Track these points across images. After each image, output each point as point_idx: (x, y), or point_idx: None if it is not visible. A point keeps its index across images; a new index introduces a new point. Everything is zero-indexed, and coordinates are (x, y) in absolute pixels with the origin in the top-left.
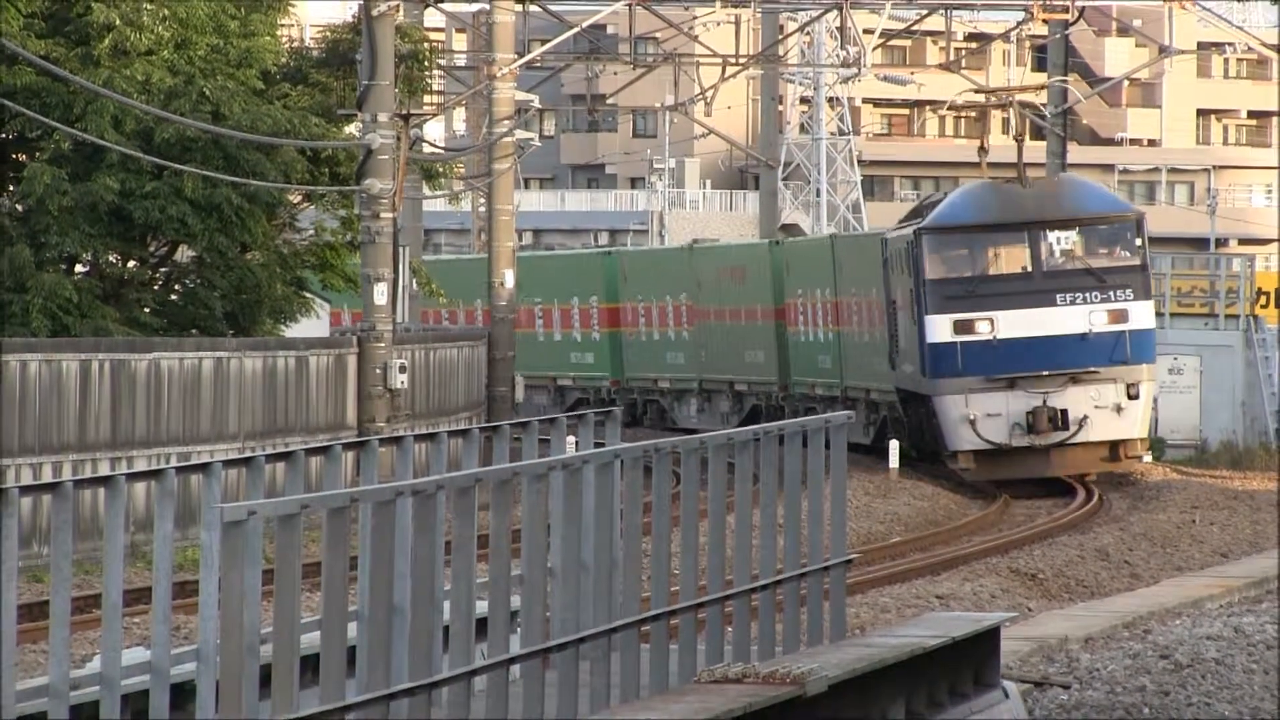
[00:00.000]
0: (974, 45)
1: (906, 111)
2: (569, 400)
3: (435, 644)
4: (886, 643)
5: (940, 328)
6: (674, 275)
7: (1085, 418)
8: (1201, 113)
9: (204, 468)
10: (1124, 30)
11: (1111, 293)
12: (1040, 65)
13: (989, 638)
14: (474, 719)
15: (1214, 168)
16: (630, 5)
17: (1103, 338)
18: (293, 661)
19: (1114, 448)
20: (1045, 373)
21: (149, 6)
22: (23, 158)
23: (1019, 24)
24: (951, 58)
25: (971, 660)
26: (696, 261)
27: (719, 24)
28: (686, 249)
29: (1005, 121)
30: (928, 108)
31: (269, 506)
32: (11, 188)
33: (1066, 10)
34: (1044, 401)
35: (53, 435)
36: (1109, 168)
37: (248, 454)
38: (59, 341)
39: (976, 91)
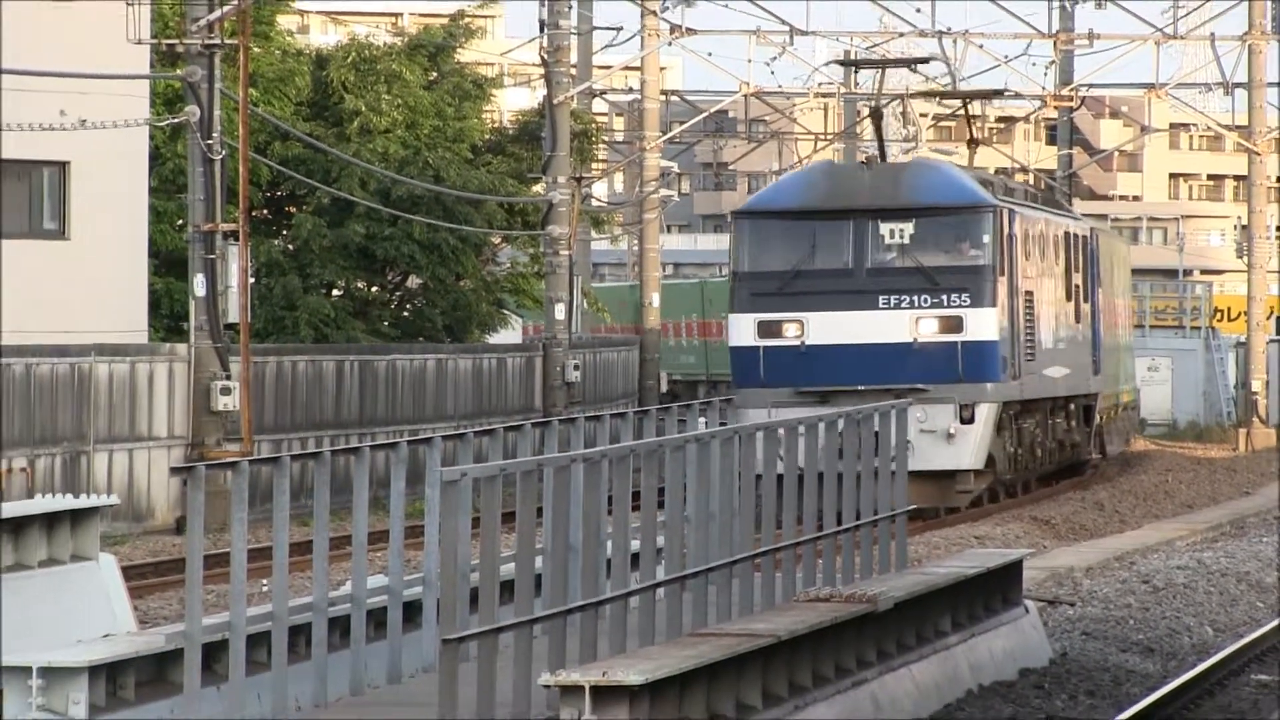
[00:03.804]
0: (1002, 125)
1: None
2: None
3: (600, 572)
4: (937, 571)
5: (743, 329)
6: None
7: (908, 444)
8: (1173, 175)
9: (428, 441)
10: (1115, 114)
11: (945, 296)
12: (1052, 140)
13: (1014, 567)
14: (629, 629)
15: (1182, 217)
16: (746, 96)
17: (931, 349)
18: (494, 586)
19: (942, 480)
20: (862, 388)
21: (387, 96)
22: (293, 210)
23: (1036, 110)
24: (985, 135)
25: (1001, 584)
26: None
27: (812, 109)
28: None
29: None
30: None
31: (477, 470)
32: (285, 232)
33: (1071, 99)
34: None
35: (316, 416)
36: (1103, 217)
37: (461, 430)
38: (320, 347)
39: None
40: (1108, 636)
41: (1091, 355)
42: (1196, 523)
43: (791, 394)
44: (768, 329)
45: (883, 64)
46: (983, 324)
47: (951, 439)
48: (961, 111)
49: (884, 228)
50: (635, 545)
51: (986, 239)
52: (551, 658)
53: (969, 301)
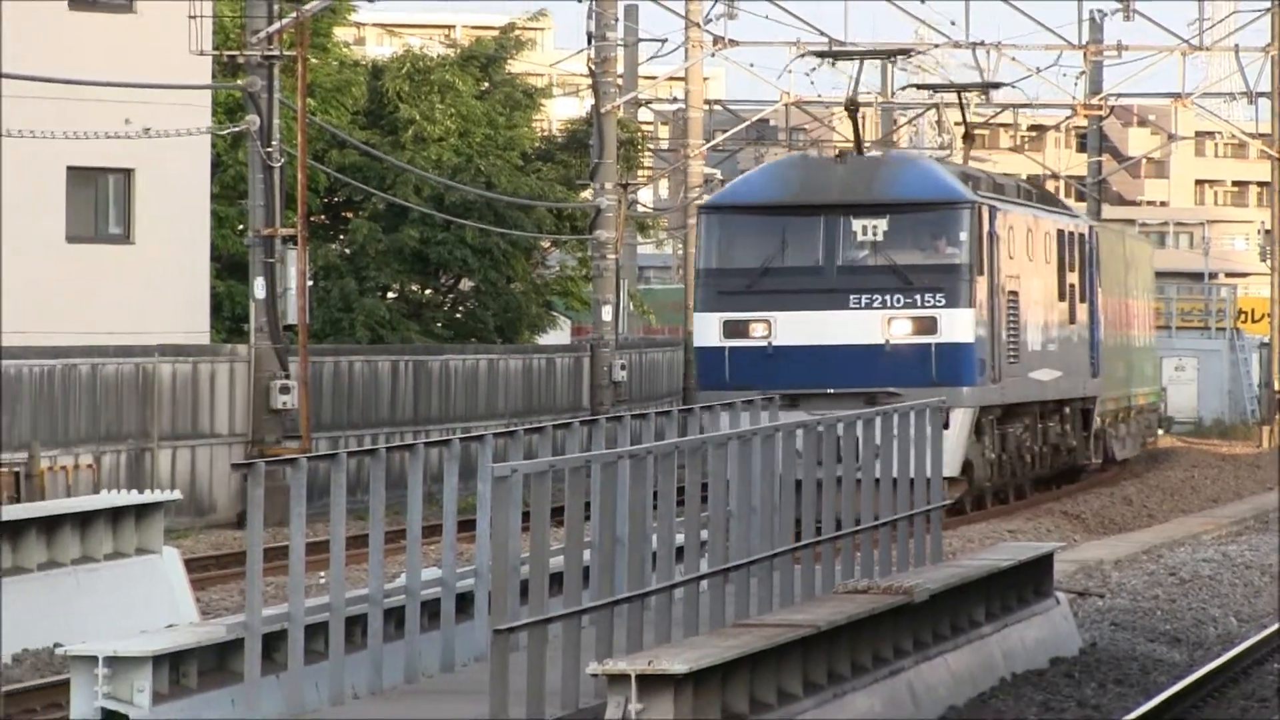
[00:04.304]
0: (1034, 133)
1: None
2: None
3: (646, 565)
4: (972, 564)
5: (708, 329)
6: None
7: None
8: (1198, 182)
9: (480, 438)
10: (1142, 122)
11: (919, 296)
12: (1082, 148)
13: (1046, 560)
14: (674, 619)
15: (1207, 222)
16: (786, 105)
17: (903, 351)
18: (544, 578)
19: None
20: (832, 391)
21: (440, 106)
22: (349, 215)
23: (1066, 118)
24: (1018, 143)
25: (1033, 577)
26: None
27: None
28: None
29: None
30: None
31: (526, 466)
32: (342, 237)
33: (1100, 108)
34: None
35: (372, 414)
36: (1131, 222)
37: (511, 428)
38: (376, 347)
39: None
40: (1136, 627)
41: (1089, 357)
42: (1221, 517)
43: (758, 397)
44: (734, 329)
45: (861, 55)
46: (958, 325)
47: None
48: (996, 119)
49: (856, 224)
50: (679, 539)
51: (963, 236)
52: (599, 647)
53: (944, 302)
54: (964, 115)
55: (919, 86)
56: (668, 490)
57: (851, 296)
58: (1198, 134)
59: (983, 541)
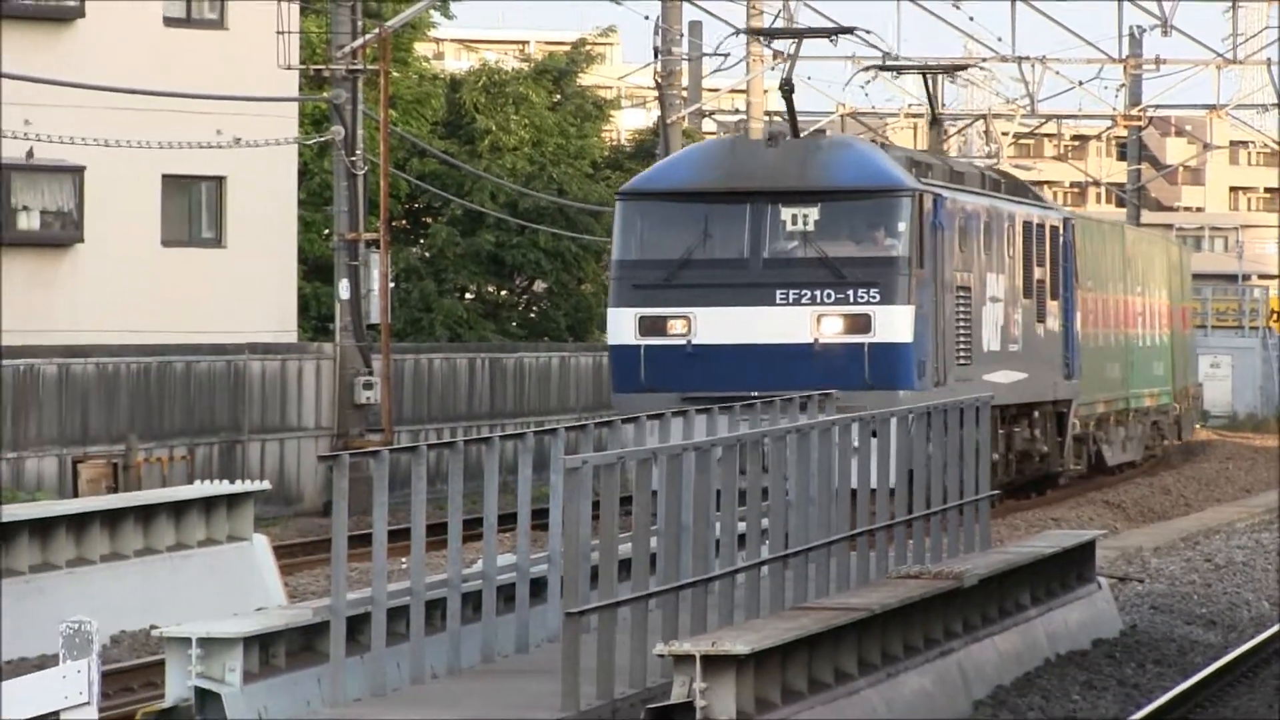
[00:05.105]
0: (1077, 143)
1: None
2: None
3: (710, 551)
4: (1018, 551)
5: (622, 325)
6: None
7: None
8: (1233, 189)
9: (552, 431)
10: (1180, 132)
11: (851, 291)
12: (1122, 157)
13: (1088, 547)
14: (736, 603)
15: (1241, 226)
16: (842, 116)
17: (834, 352)
18: (613, 564)
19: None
20: (756, 394)
21: (515, 117)
22: (429, 220)
23: (1107, 129)
24: (1061, 152)
25: (1076, 563)
26: None
27: (903, 128)
28: None
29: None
30: (1045, 186)
31: (597, 458)
32: (422, 241)
33: (1139, 119)
34: None
35: (450, 409)
36: (1169, 226)
37: (582, 422)
38: (454, 345)
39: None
40: (1174, 610)
41: (1062, 357)
42: (1254, 506)
43: (677, 400)
44: (650, 325)
45: (799, 33)
46: (894, 323)
47: (858, 453)
48: (1040, 130)
49: (785, 213)
50: (741, 526)
51: (902, 227)
52: (665, 629)
53: (879, 298)
54: (930, 100)
55: (883, 68)
56: (730, 481)
57: (779, 291)
58: (1232, 143)
59: (1028, 529)
